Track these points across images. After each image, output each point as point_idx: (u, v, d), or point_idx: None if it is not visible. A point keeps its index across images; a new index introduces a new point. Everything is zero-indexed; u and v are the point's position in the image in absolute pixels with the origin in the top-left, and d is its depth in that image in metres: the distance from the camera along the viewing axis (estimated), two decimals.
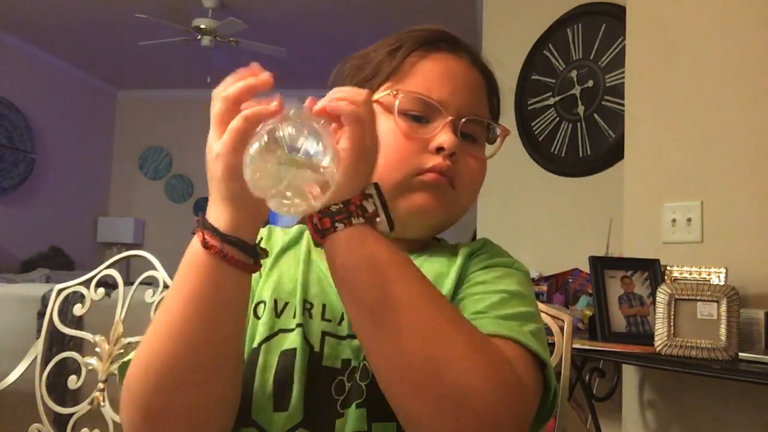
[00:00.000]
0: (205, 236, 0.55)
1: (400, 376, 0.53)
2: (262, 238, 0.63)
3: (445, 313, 0.55)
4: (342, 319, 0.69)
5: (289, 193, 0.50)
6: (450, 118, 0.71)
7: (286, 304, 0.70)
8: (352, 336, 0.68)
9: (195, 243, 0.56)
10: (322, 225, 0.54)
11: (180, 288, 0.57)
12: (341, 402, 0.65)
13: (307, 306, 0.70)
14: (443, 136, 0.70)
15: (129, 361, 0.64)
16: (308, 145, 0.50)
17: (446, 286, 0.70)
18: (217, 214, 0.55)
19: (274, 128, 0.51)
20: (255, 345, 0.68)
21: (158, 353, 0.57)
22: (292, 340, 0.67)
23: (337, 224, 0.54)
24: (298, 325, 0.68)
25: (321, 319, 0.69)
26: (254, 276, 0.67)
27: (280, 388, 0.65)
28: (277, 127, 0.51)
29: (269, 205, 0.51)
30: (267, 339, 0.68)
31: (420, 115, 0.72)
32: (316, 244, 0.57)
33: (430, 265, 0.73)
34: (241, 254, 0.55)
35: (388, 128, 0.71)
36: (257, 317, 0.70)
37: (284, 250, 0.76)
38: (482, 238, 0.79)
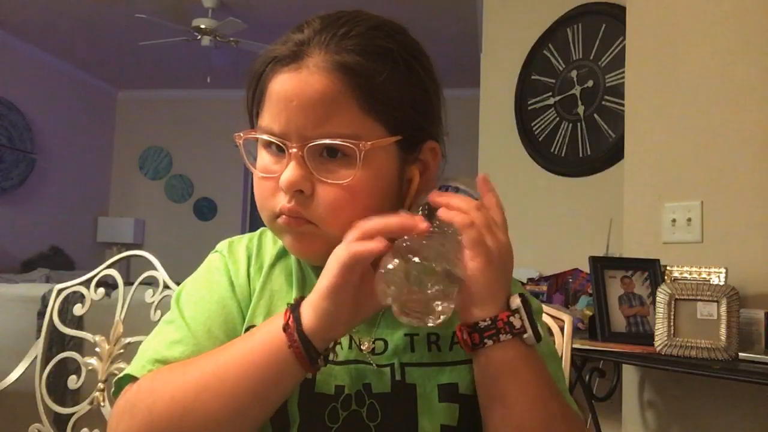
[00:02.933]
0: (289, 322, 0.58)
1: None
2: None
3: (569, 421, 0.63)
4: (336, 342, 0.66)
5: (414, 306, 0.56)
6: (293, 149, 0.62)
7: None
8: (348, 362, 0.67)
9: (275, 328, 0.59)
10: (471, 339, 0.59)
11: (247, 352, 0.60)
12: (336, 431, 0.64)
13: None
14: (284, 174, 0.63)
15: (127, 376, 0.65)
16: (441, 261, 0.56)
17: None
18: (306, 311, 0.59)
19: (410, 245, 0.56)
20: None
21: (200, 399, 0.59)
22: None
23: (486, 340, 0.58)
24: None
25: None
26: (244, 294, 0.71)
27: (277, 417, 0.64)
28: (413, 242, 0.56)
29: (394, 310, 0.56)
30: None
31: (279, 147, 0.64)
32: (463, 348, 0.61)
33: None
34: (304, 355, 0.58)
35: (257, 167, 0.68)
36: None
37: (275, 263, 0.74)
38: None
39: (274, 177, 0.64)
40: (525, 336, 0.59)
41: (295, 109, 0.62)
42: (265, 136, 0.65)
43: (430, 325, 0.56)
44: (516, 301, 0.59)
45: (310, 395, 0.65)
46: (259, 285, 0.72)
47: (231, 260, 0.73)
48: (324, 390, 0.65)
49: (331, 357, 0.62)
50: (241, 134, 0.67)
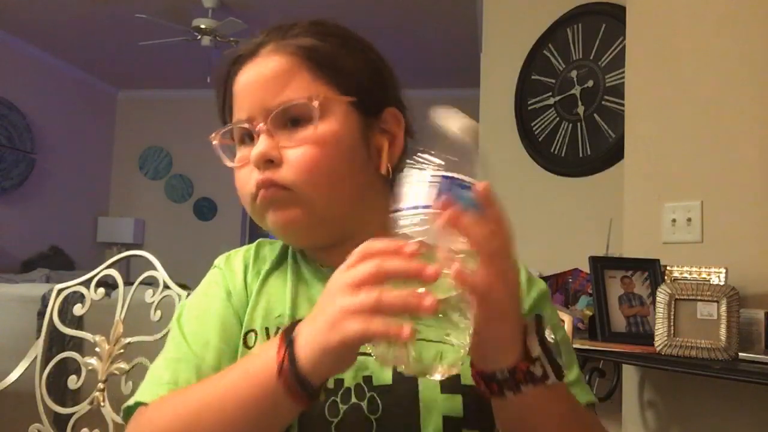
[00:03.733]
0: (284, 359, 0.53)
1: None
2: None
3: None
4: None
5: (413, 363, 0.49)
6: (259, 125, 0.68)
7: (278, 329, 0.69)
8: None
9: (270, 360, 0.53)
10: (490, 390, 0.54)
11: (239, 386, 0.56)
12: (336, 425, 0.64)
13: None
14: (252, 150, 0.68)
15: (137, 404, 0.65)
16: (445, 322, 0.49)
17: None
18: (304, 350, 0.52)
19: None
20: None
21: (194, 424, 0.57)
22: None
23: (506, 392, 0.54)
24: None
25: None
26: (241, 302, 0.71)
27: None
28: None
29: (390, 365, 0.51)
30: None
31: (250, 137, 0.71)
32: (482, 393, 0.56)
33: None
34: (303, 394, 0.53)
35: (236, 161, 0.73)
36: (247, 347, 0.69)
37: (272, 269, 0.74)
38: None
39: (247, 163, 0.70)
40: (548, 382, 0.54)
41: (256, 89, 0.70)
42: (235, 125, 0.71)
43: (437, 378, 0.51)
44: (536, 348, 0.53)
45: None
46: (256, 289, 0.72)
47: (228, 271, 0.75)
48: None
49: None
50: (214, 134, 0.74)
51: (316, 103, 0.67)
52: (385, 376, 0.65)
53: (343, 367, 0.54)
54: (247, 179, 0.70)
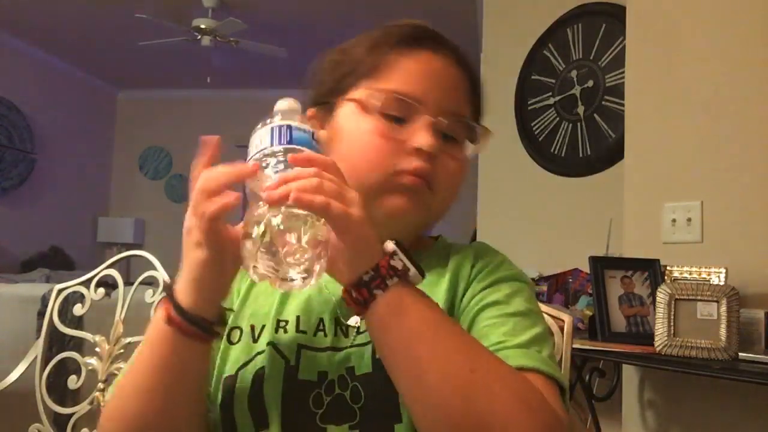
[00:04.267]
0: (170, 313, 0.58)
1: (443, 428, 0.55)
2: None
3: (483, 363, 0.57)
4: (318, 329, 0.69)
5: (283, 272, 0.53)
6: (429, 118, 0.69)
7: (263, 326, 0.71)
8: (332, 348, 0.68)
9: (160, 313, 0.59)
10: (361, 296, 0.56)
11: (147, 354, 0.62)
12: (320, 416, 0.65)
13: (281, 324, 0.70)
14: (421, 137, 0.68)
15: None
16: (299, 234, 0.53)
17: (440, 296, 0.69)
18: (185, 291, 0.58)
19: (266, 220, 0.53)
20: (232, 372, 0.68)
21: (129, 410, 0.62)
22: (262, 360, 0.68)
23: (375, 291, 0.56)
24: (268, 344, 0.68)
25: (296, 331, 0.69)
26: (235, 301, 0.73)
27: (257, 408, 0.66)
28: (268, 219, 0.53)
29: (252, 276, 0.54)
30: (245, 365, 0.68)
31: (398, 116, 0.70)
32: (358, 313, 0.58)
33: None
34: (200, 331, 0.58)
35: (365, 128, 0.69)
36: (231, 343, 0.71)
37: None
38: (478, 243, 0.78)
39: (398, 138, 0.69)
40: (411, 274, 0.57)
41: (441, 83, 0.71)
42: (402, 96, 0.69)
43: (297, 288, 0.55)
44: (390, 245, 0.57)
45: (293, 382, 0.66)
46: (246, 286, 0.74)
47: None
48: (307, 377, 0.67)
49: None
50: (374, 90, 0.70)
51: (482, 134, 0.75)
52: (366, 365, 0.67)
53: (229, 282, 0.59)
54: (391, 154, 0.69)
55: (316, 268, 0.54)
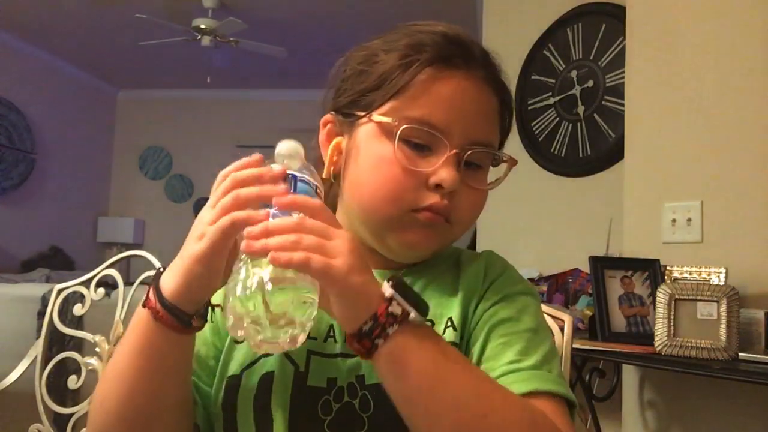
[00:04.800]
0: (149, 296, 0.59)
1: None
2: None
3: (495, 406, 0.56)
4: (328, 336, 0.68)
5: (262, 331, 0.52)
6: (454, 151, 0.66)
7: None
8: (342, 355, 0.67)
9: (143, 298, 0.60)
10: (364, 347, 0.54)
11: (127, 338, 0.62)
12: (328, 423, 0.65)
13: None
14: (443, 173, 0.65)
15: None
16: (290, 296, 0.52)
17: (453, 311, 0.69)
18: (170, 279, 0.58)
19: (259, 278, 0.51)
20: (236, 372, 0.68)
21: (108, 394, 0.62)
22: (271, 363, 0.67)
23: (376, 341, 0.54)
24: None
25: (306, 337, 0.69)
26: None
27: (262, 411, 0.65)
28: (261, 275, 0.51)
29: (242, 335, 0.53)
30: (250, 365, 0.68)
31: (422, 144, 0.66)
32: (362, 358, 0.57)
33: (431, 293, 0.71)
34: (175, 321, 0.58)
35: (386, 156, 0.66)
36: (236, 342, 0.70)
37: None
38: (488, 253, 0.77)
39: (419, 171, 0.66)
40: (411, 317, 0.54)
41: (468, 113, 0.67)
42: (427, 128, 0.66)
43: (286, 349, 0.54)
44: (387, 290, 0.54)
45: (303, 388, 0.66)
46: None
47: None
48: (316, 383, 0.66)
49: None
50: (398, 119, 0.66)
51: (507, 161, 0.73)
52: (376, 375, 0.66)
53: (213, 287, 0.58)
54: (412, 189, 0.66)
55: (301, 337, 0.53)
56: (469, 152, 0.67)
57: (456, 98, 0.67)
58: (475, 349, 0.67)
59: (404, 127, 0.65)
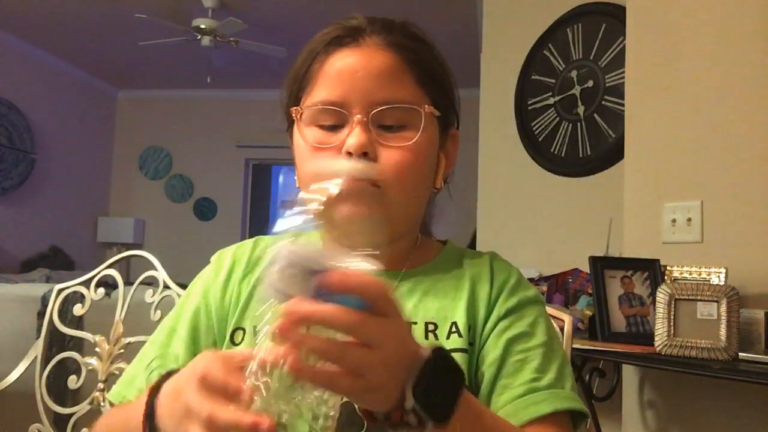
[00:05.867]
0: (144, 417, 0.54)
1: None
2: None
3: None
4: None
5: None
6: (357, 116, 0.68)
7: None
8: None
9: (143, 401, 0.55)
10: (372, 423, 0.52)
11: (124, 420, 0.63)
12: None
13: None
14: (350, 138, 0.67)
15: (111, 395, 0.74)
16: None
17: (459, 317, 0.69)
18: (163, 411, 0.53)
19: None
20: None
21: None
22: None
23: (388, 429, 0.50)
24: None
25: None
26: (216, 298, 0.75)
27: None
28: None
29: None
30: None
31: (333, 124, 0.69)
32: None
33: (434, 295, 0.71)
34: None
35: (301, 143, 0.71)
36: (234, 343, 0.71)
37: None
38: (491, 255, 0.77)
39: (331, 146, 0.69)
40: (427, 428, 0.49)
41: (361, 79, 0.69)
42: (324, 106, 0.69)
43: None
44: (410, 400, 0.48)
45: None
46: (249, 289, 0.74)
47: (214, 267, 0.78)
48: None
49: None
50: (299, 108, 0.71)
51: (423, 111, 0.70)
52: None
53: None
54: (329, 161, 0.68)
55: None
56: (372, 113, 0.68)
57: (345, 70, 0.70)
58: (490, 360, 0.68)
59: (305, 112, 0.70)
